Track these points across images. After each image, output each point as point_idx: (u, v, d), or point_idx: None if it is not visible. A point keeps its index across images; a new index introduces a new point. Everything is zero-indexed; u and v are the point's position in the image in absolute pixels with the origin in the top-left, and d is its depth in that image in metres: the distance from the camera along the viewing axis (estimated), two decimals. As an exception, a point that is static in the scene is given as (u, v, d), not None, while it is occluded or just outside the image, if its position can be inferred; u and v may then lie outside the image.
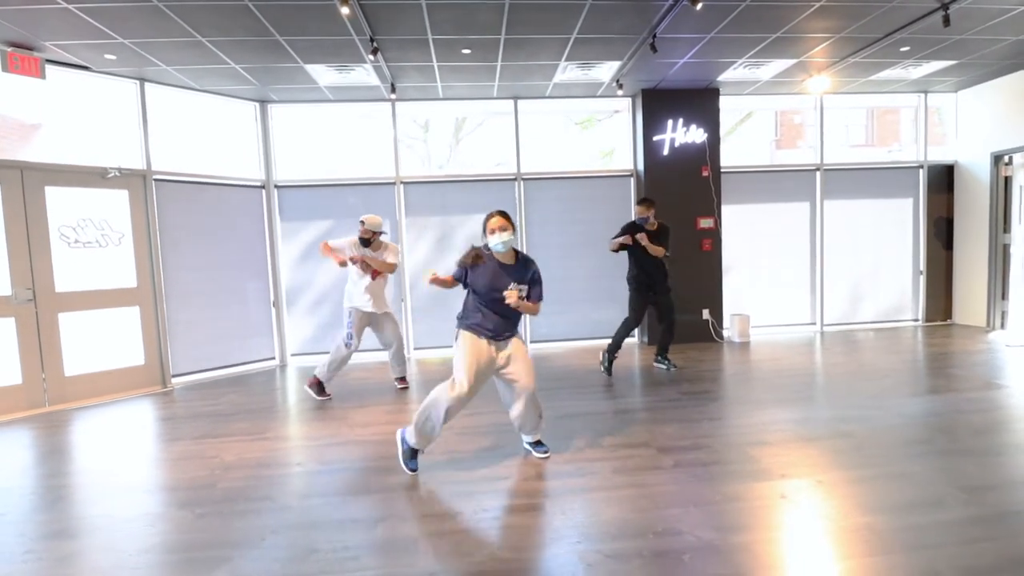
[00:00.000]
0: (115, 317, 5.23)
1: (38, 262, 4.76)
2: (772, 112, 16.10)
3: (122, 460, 3.61)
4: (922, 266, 7.40)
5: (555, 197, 6.87)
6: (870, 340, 6.53)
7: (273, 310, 6.45)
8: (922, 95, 7.21)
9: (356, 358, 6.46)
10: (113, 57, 4.77)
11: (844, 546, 2.22)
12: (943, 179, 7.37)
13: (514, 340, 3.19)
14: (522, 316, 3.26)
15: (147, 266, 5.37)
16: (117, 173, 5.16)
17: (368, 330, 4.90)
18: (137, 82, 5.30)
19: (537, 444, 3.34)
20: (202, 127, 6.25)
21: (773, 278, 7.26)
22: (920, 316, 7.44)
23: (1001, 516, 2.37)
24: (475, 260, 3.08)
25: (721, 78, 6.23)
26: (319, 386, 4.80)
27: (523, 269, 3.10)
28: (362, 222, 4.69)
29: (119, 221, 5.23)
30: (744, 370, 5.33)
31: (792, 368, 5.29)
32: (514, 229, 3.05)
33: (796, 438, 3.41)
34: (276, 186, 6.43)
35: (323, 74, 5.50)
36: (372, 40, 4.61)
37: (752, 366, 5.48)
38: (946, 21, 4.60)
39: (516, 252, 3.14)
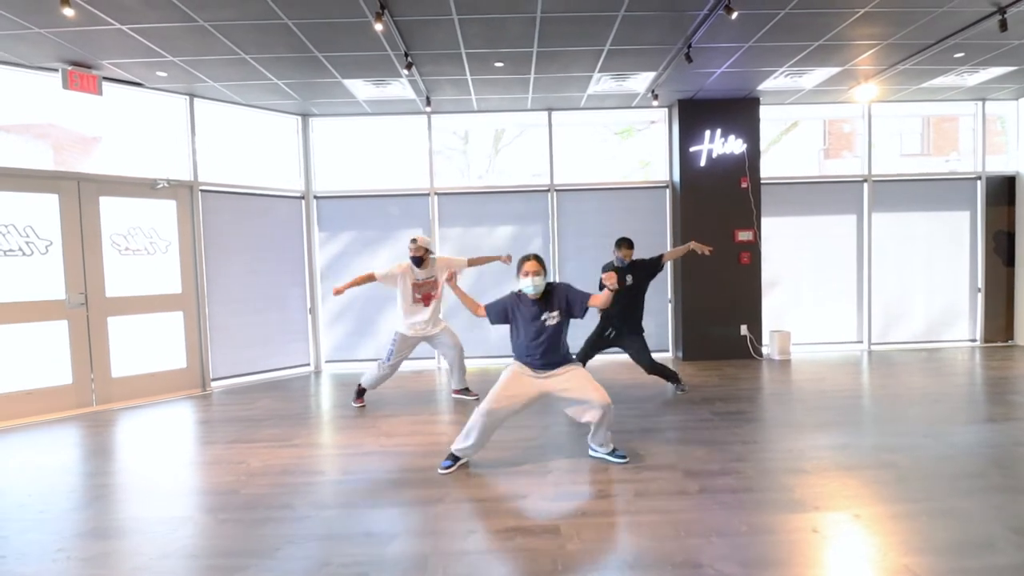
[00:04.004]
0: (160, 322, 5.46)
1: (91, 268, 5.02)
2: (820, 121, 15.57)
3: (158, 461, 3.73)
4: (980, 283, 6.96)
5: (589, 209, 6.80)
6: (921, 361, 6.17)
7: (309, 317, 6.60)
8: (980, 103, 6.82)
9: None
10: (164, 74, 5.01)
11: (879, 588, 2.08)
12: (1003, 191, 6.94)
13: (570, 368, 3.36)
14: (563, 345, 3.40)
15: (192, 273, 5.59)
16: (166, 184, 5.40)
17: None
18: (187, 97, 5.55)
19: (613, 452, 3.42)
20: (247, 140, 6.47)
21: (817, 293, 6.96)
22: (978, 336, 6.99)
23: (1059, 564, 2.17)
24: (516, 304, 3.40)
25: (761, 87, 6.06)
26: (361, 394, 4.94)
27: (551, 298, 3.33)
28: (414, 240, 4.64)
29: (166, 229, 5.47)
30: (782, 390, 5.11)
31: (834, 389, 5.05)
32: (546, 272, 3.32)
33: (834, 466, 3.23)
34: (315, 197, 6.60)
35: (361, 88, 5.62)
36: (407, 55, 4.69)
37: (791, 386, 5.25)
38: (1003, 26, 4.34)
39: (547, 290, 3.35)
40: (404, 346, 4.74)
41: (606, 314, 4.56)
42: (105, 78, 4.96)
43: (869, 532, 2.48)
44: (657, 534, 2.51)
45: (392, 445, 3.85)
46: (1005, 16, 4.28)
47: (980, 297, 6.98)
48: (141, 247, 5.32)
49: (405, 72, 4.89)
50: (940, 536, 2.40)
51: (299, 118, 6.45)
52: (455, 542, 2.51)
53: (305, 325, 6.58)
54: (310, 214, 6.58)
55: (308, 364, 6.61)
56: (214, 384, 5.79)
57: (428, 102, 5.96)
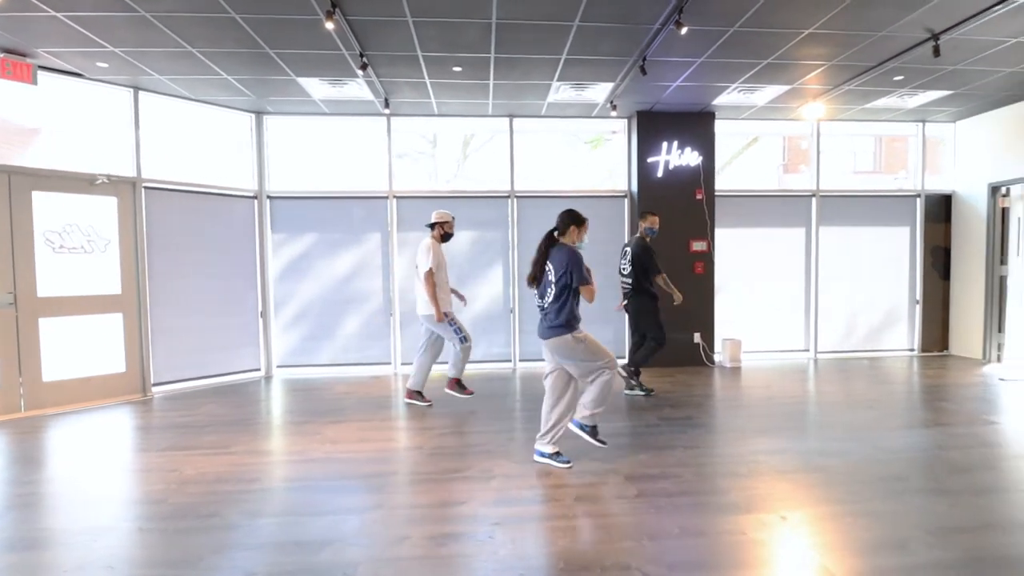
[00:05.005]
0: (98, 324, 5.23)
1: (21, 266, 4.78)
2: (780, 137, 16.09)
3: (85, 469, 3.56)
4: (919, 295, 7.28)
5: (549, 216, 6.77)
6: (863, 369, 6.41)
7: (261, 321, 6.43)
8: (920, 124, 7.16)
9: (340, 372, 6.48)
10: (105, 65, 4.83)
11: (799, 589, 2.13)
12: (941, 209, 7.29)
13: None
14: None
15: (132, 273, 5.38)
16: (106, 180, 5.19)
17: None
18: (131, 90, 5.36)
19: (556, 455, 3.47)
20: (198, 137, 6.29)
21: (767, 303, 7.16)
22: (916, 346, 7.30)
23: (966, 562, 2.26)
24: None
25: (716, 102, 6.22)
26: (459, 384, 4.92)
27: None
28: (453, 217, 4.87)
29: (106, 227, 5.25)
30: (730, 396, 5.22)
31: (779, 396, 5.19)
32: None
33: (770, 470, 3.31)
34: (269, 197, 6.45)
35: (316, 87, 5.54)
36: (362, 55, 4.65)
37: (739, 392, 5.37)
38: (936, 52, 4.57)
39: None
40: (459, 322, 4.79)
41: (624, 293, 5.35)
42: (41, 67, 4.75)
43: (794, 533, 2.54)
44: (591, 538, 2.52)
45: (336, 452, 3.77)
46: (938, 43, 4.51)
47: (918, 309, 7.29)
48: (78, 245, 5.09)
49: (361, 73, 4.84)
50: (860, 537, 2.48)
51: (253, 115, 6.30)
52: (387, 549, 2.47)
53: (256, 329, 6.40)
54: (263, 214, 6.42)
55: (258, 369, 6.43)
56: (155, 389, 5.57)
57: (387, 104, 5.92)
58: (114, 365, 5.33)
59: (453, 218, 4.89)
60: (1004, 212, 6.68)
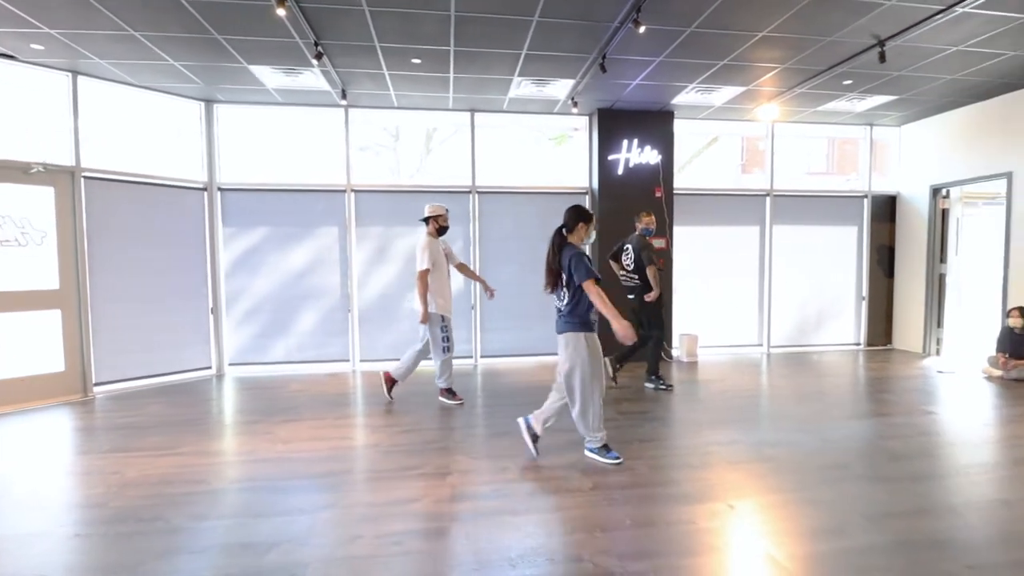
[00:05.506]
0: (34, 320, 4.95)
1: (-53, 259, 4.48)
2: (738, 137, 16.53)
3: (19, 473, 3.37)
4: (865, 292, 7.59)
5: (510, 212, 6.83)
6: (812, 363, 6.64)
7: (211, 317, 6.21)
8: (868, 127, 7.45)
9: (295, 370, 6.33)
10: (40, 47, 4.56)
11: (741, 575, 2.19)
12: (886, 209, 7.61)
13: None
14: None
15: (71, 267, 5.11)
16: (42, 168, 4.91)
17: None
18: (69, 75, 5.08)
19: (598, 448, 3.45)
20: (143, 126, 6.02)
21: (723, 299, 7.34)
22: (862, 340, 7.62)
23: (898, 545, 2.37)
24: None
25: (675, 101, 6.32)
26: (450, 392, 4.79)
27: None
28: (447, 209, 4.73)
29: (42, 219, 4.97)
30: (686, 390, 5.33)
31: (732, 389, 5.32)
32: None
33: (721, 461, 3.39)
34: (220, 188, 6.23)
35: (269, 76, 5.37)
36: (317, 44, 4.53)
37: (695, 386, 5.49)
38: (882, 57, 4.76)
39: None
40: (443, 323, 4.66)
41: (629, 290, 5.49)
42: (-30, 48, 4.46)
43: (740, 521, 2.61)
44: (545, 531, 2.53)
45: (288, 451, 3.68)
46: (884, 49, 4.69)
47: (864, 305, 7.60)
48: (11, 238, 4.80)
49: (316, 62, 4.72)
50: (802, 523, 2.57)
51: (202, 104, 6.07)
52: (338, 549, 2.42)
53: (207, 326, 6.19)
54: (213, 207, 6.20)
55: (209, 367, 6.22)
56: (97, 389, 5.32)
57: (344, 95, 5.79)
58: (52, 364, 5.06)
59: (447, 210, 4.74)
60: (944, 213, 7.02)
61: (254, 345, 6.40)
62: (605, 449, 3.38)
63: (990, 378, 5.65)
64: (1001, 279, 6.13)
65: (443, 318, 4.63)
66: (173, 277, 5.90)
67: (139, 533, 2.57)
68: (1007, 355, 5.62)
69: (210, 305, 6.20)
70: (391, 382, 4.89)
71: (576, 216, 3.45)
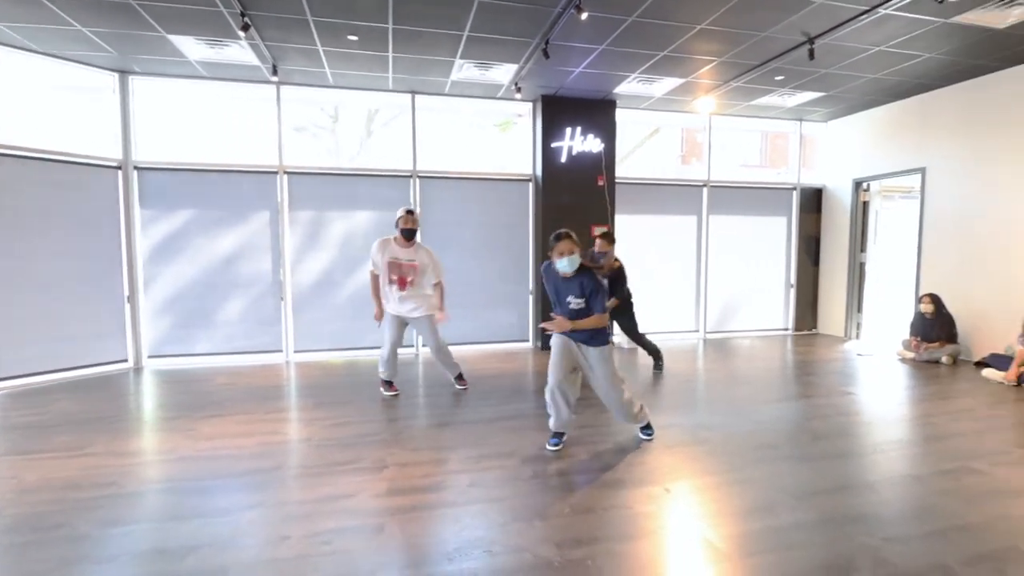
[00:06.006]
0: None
1: None
2: (679, 129, 16.95)
3: None
4: (793, 280, 7.97)
5: (453, 198, 6.71)
6: (744, 348, 6.91)
7: (128, 306, 5.77)
8: (798, 122, 7.77)
9: (223, 362, 5.99)
10: (-83, 3, 4.04)
11: (677, 557, 2.22)
12: (813, 201, 7.99)
13: (593, 352, 3.33)
14: (599, 328, 3.31)
15: (-38, 251, 4.61)
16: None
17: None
18: (-45, 36, 4.55)
19: (643, 428, 3.57)
20: (47, 97, 5.48)
21: (662, 287, 7.51)
22: (790, 326, 8.00)
23: (822, 521, 2.47)
24: (550, 273, 3.35)
25: (617, 90, 6.36)
26: (386, 384, 4.66)
27: (582, 281, 3.22)
28: (411, 212, 4.41)
29: (-75, 197, 4.45)
30: (625, 376, 5.38)
31: (670, 374, 5.46)
32: (579, 250, 3.21)
33: (658, 445, 3.45)
34: (136, 167, 5.77)
35: (192, 47, 4.99)
36: (243, 15, 4.23)
37: (635, 372, 5.59)
38: (811, 55, 4.93)
39: (580, 267, 3.23)
40: (391, 327, 4.48)
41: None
42: None
43: (676, 504, 2.66)
44: (484, 522, 2.48)
45: (212, 448, 3.46)
46: (813, 46, 4.87)
47: (792, 292, 7.98)
48: None
49: (243, 34, 4.41)
50: (734, 503, 2.65)
51: (116, 75, 5.58)
52: (263, 551, 2.28)
53: (122, 316, 5.74)
54: (129, 187, 5.73)
55: (126, 360, 5.79)
56: (-4, 385, 4.85)
57: (275, 71, 5.47)
58: (-60, 359, 4.56)
59: (404, 213, 4.39)
60: (865, 205, 7.44)
61: (176, 336, 6.01)
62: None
63: (904, 360, 6.07)
64: (914, 267, 6.57)
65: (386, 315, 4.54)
66: (83, 263, 5.43)
67: (37, 543, 2.33)
68: (919, 338, 6.04)
69: (126, 293, 5.75)
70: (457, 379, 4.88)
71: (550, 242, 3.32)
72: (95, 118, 5.62)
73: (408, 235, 4.40)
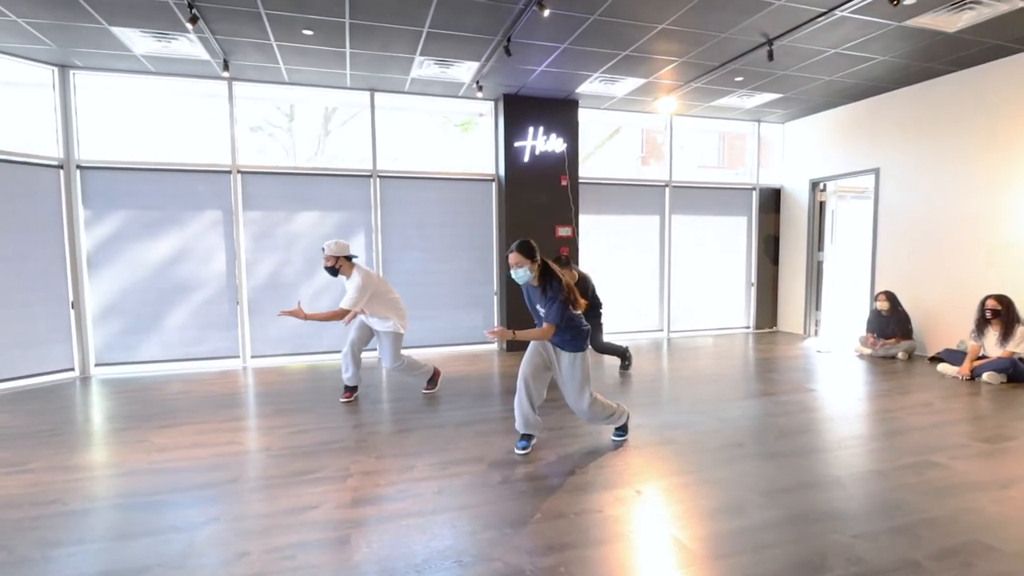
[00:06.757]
0: None
1: None
2: (639, 130, 17.17)
3: None
4: (753, 278, 8.15)
5: (415, 198, 6.59)
6: (707, 346, 7.03)
7: (72, 312, 5.45)
8: (757, 123, 7.95)
9: (176, 369, 5.73)
10: None
11: (650, 561, 2.20)
12: (772, 201, 8.19)
13: (565, 356, 3.31)
14: (571, 333, 3.28)
15: None
16: None
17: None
18: None
19: (617, 430, 3.57)
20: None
21: (626, 287, 7.57)
22: (751, 324, 8.18)
23: (792, 519, 2.49)
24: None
25: (579, 90, 6.36)
26: (346, 390, 4.57)
27: (541, 290, 3.20)
28: (323, 249, 4.27)
29: None
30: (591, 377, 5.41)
31: (635, 374, 5.49)
32: (533, 261, 3.17)
33: (627, 447, 3.45)
34: (79, 166, 5.46)
35: (138, 41, 4.75)
36: (191, 7, 4.04)
37: (600, 372, 5.59)
38: (770, 56, 5.03)
39: (542, 276, 3.20)
40: (359, 329, 4.52)
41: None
42: None
43: (646, 506, 2.65)
44: (453, 532, 2.41)
45: (163, 461, 3.28)
46: (772, 48, 4.96)
47: (753, 291, 8.16)
48: None
49: (191, 27, 4.21)
50: (703, 504, 2.65)
51: (56, 69, 5.26)
52: (220, 569, 2.16)
53: (66, 322, 5.43)
54: (71, 187, 5.42)
55: (71, 369, 5.47)
56: (-77, 399, 4.50)
57: (226, 66, 5.25)
58: None
59: (323, 248, 4.30)
60: (822, 205, 7.66)
61: (125, 342, 5.72)
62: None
63: (861, 356, 6.27)
64: (869, 265, 6.79)
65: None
66: (24, 266, 5.11)
67: (-35, 573, 2.15)
68: (876, 335, 6.25)
69: (70, 298, 5.44)
70: (436, 377, 4.85)
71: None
72: (34, 115, 5.28)
73: (331, 272, 4.30)
